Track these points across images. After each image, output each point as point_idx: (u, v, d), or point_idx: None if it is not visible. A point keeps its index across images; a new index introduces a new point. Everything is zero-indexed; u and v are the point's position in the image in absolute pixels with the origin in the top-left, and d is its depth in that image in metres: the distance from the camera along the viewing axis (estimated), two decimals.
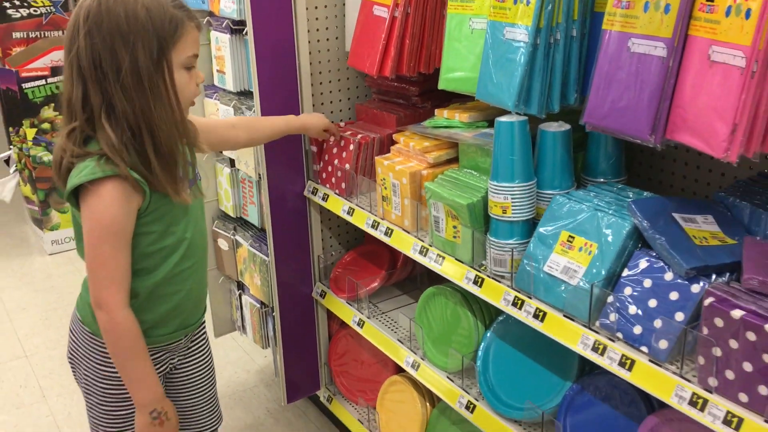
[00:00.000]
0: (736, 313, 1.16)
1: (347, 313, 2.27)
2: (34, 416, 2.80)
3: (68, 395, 2.90)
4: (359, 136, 2.10)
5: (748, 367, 1.17)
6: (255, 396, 2.87)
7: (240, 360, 3.10)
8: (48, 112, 4.00)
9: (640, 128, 1.34)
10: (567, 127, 1.62)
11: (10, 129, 4.04)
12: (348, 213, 2.11)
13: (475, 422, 1.80)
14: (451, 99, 2.04)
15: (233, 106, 2.37)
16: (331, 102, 2.32)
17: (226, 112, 2.42)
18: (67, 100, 1.47)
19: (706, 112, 1.24)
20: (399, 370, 2.24)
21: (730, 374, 1.20)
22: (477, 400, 1.81)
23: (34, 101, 3.94)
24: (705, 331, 1.23)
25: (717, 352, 1.21)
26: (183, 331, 1.69)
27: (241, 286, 2.75)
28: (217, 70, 2.44)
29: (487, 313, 1.89)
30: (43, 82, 3.95)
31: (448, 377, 1.91)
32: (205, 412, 1.83)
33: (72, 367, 1.71)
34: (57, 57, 3.94)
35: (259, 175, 2.32)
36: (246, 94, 2.44)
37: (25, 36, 3.91)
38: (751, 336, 1.15)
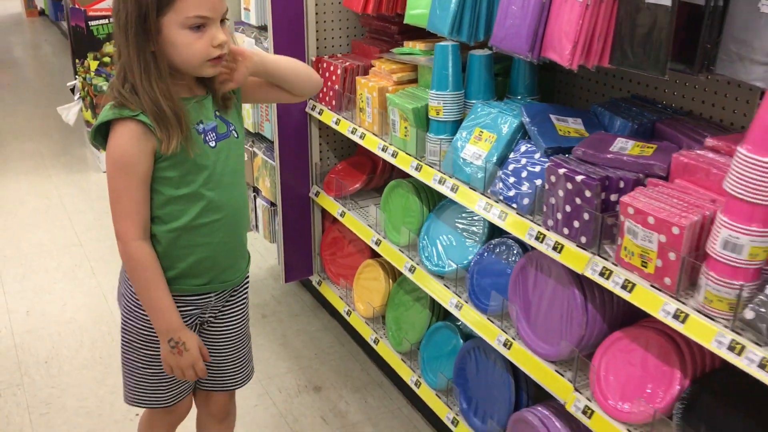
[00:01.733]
0: (561, 171, 1.69)
1: (333, 207, 2.84)
2: (86, 287, 3.47)
3: (113, 273, 3.55)
4: (347, 63, 2.65)
5: (568, 209, 1.70)
6: (264, 286, 3.48)
7: (254, 259, 3.70)
8: (109, 47, 4.64)
9: (522, 48, 1.86)
10: (489, 52, 2.14)
11: (77, 61, 4.71)
12: (335, 123, 2.67)
13: (416, 281, 2.36)
14: (425, 36, 2.57)
15: (254, 37, 2.94)
16: (332, 38, 2.87)
17: (249, 43, 2.99)
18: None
19: (559, 35, 1.76)
20: (373, 255, 2.81)
21: (558, 215, 1.73)
22: (417, 265, 2.36)
23: (98, 37, 4.58)
24: (546, 186, 1.76)
25: (552, 200, 1.74)
26: (217, 286, 1.74)
27: (256, 191, 3.34)
28: (244, 8, 3.01)
29: (432, 200, 2.43)
30: (106, 21, 4.59)
31: (400, 250, 2.47)
32: (236, 366, 1.89)
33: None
34: None
35: None
36: (265, 29, 3.00)
37: None
38: (569, 185, 1.68)
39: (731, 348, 1.36)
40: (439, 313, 2.48)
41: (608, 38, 1.71)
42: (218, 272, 1.73)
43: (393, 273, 2.71)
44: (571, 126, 1.95)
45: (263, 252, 3.75)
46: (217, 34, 1.53)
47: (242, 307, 1.88)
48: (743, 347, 1.34)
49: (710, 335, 1.39)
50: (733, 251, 1.36)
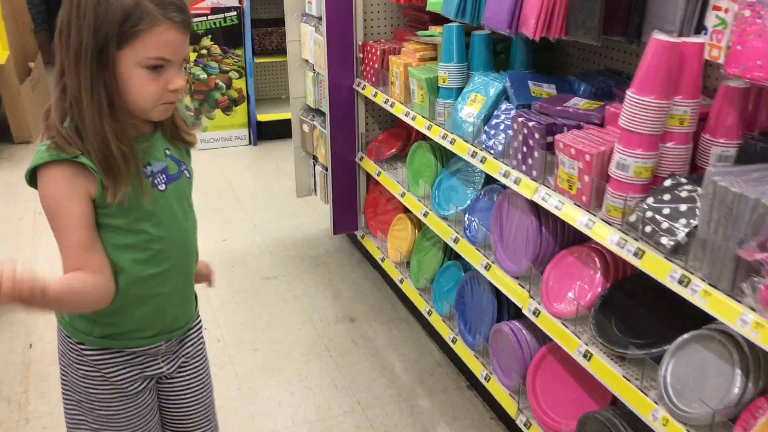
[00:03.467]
0: (520, 119, 2.14)
1: (372, 169, 3.35)
2: None
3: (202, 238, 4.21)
4: (385, 46, 3.16)
5: (524, 149, 2.14)
6: (320, 242, 4.03)
7: (314, 221, 4.28)
8: (206, 41, 5.36)
9: (503, 24, 2.31)
10: (488, 32, 2.60)
11: None
12: (374, 96, 3.19)
13: (428, 223, 2.84)
14: (446, 22, 3.04)
15: (313, 25, 3.51)
16: (377, 26, 3.39)
17: (310, 31, 3.56)
18: (55, 71, 1.42)
19: (527, 11, 2.20)
20: (405, 212, 3.30)
21: (519, 156, 2.17)
22: (430, 210, 2.84)
23: (197, 32, 5.31)
24: (511, 132, 2.20)
25: (515, 144, 2.19)
26: (165, 336, 1.60)
27: (315, 159, 3.90)
28: (307, 1, 3.58)
29: (445, 158, 2.91)
30: (204, 18, 5.30)
31: (418, 200, 2.95)
32: (207, 415, 1.77)
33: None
34: (216, 1, 5.28)
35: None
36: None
37: None
38: (524, 130, 2.12)
39: (619, 244, 1.77)
40: (450, 254, 2.94)
41: (564, 15, 2.15)
42: (168, 322, 1.60)
43: (418, 224, 3.19)
44: (544, 90, 2.38)
45: (321, 213, 4.31)
46: (175, 78, 1.40)
47: (200, 351, 1.73)
48: (626, 242, 1.76)
49: (606, 235, 1.81)
50: (623, 170, 1.78)
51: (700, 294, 1.55)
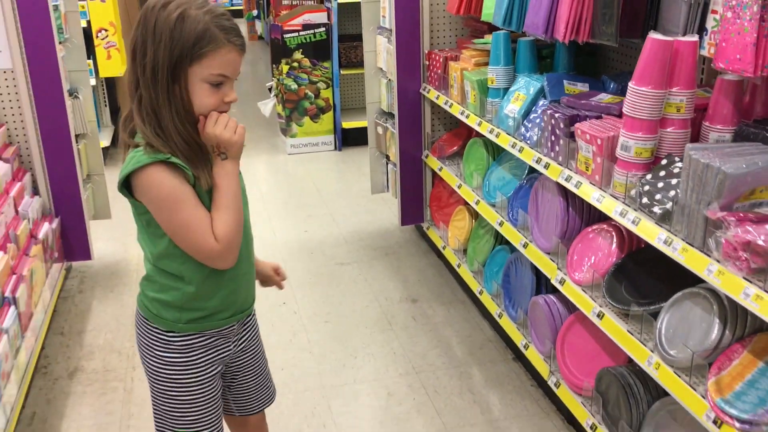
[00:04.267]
0: (549, 111, 2.44)
1: (435, 165, 3.71)
2: (261, 229, 4.62)
3: (287, 229, 4.69)
4: (447, 54, 3.52)
5: (552, 138, 2.44)
6: (391, 234, 4.41)
7: (385, 214, 4.67)
8: (297, 54, 5.88)
9: (540, 30, 2.63)
10: (532, 38, 2.92)
11: (273, 66, 6.00)
12: (436, 98, 3.55)
13: (479, 210, 3.16)
14: None
15: (386, 37, 3.91)
16: (443, 37, 3.76)
17: (383, 42, 3.96)
18: (128, 84, 1.61)
19: (559, 19, 2.51)
20: (465, 204, 3.63)
21: (548, 144, 2.48)
22: (481, 199, 3.16)
23: (289, 47, 5.83)
24: (544, 124, 2.51)
25: (546, 134, 2.49)
26: (238, 317, 1.78)
27: (387, 158, 4.29)
28: (382, 15, 3.99)
29: (496, 152, 3.23)
30: (296, 34, 5.83)
31: (472, 190, 3.28)
32: (266, 384, 1.97)
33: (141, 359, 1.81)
34: (307, 18, 5.79)
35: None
36: None
37: (290, 2, 5.81)
38: (552, 121, 2.42)
39: (621, 214, 2.06)
40: (500, 240, 3.25)
41: (590, 22, 2.45)
42: (240, 302, 1.77)
43: (475, 215, 3.52)
44: (578, 87, 2.68)
45: (393, 209, 4.68)
46: (230, 92, 1.60)
47: (256, 328, 1.92)
48: (627, 212, 2.04)
49: (612, 208, 2.10)
50: (626, 151, 2.07)
51: (680, 251, 1.82)
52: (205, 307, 1.70)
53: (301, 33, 5.86)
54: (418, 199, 4.00)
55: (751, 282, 1.61)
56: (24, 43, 3.28)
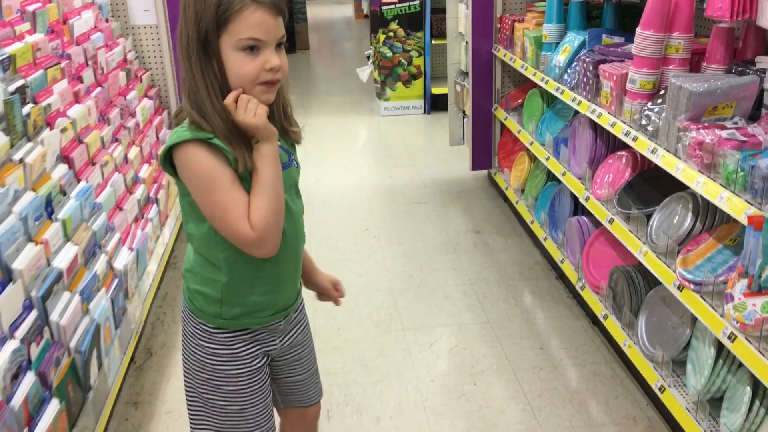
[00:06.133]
0: (581, 56, 2.94)
1: (502, 115, 4.24)
2: (353, 176, 5.28)
3: (375, 175, 5.35)
4: (516, 17, 4.04)
5: (585, 79, 2.94)
6: (464, 182, 4.98)
7: (463, 166, 5.22)
8: (393, 25, 6.50)
9: None
10: (582, 0, 3.40)
11: (372, 35, 6.65)
12: (503, 55, 4.08)
13: (533, 150, 3.68)
14: None
15: (465, 3, 4.46)
16: (515, 3, 4.26)
17: (462, 8, 4.51)
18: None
19: None
20: (525, 149, 4.15)
21: (582, 84, 2.98)
22: (534, 141, 3.68)
23: (386, 18, 6.46)
24: (579, 68, 3.01)
25: (580, 76, 2.99)
26: (282, 314, 1.71)
27: (464, 113, 4.85)
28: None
29: (550, 100, 3.73)
30: (393, 6, 6.45)
31: (529, 134, 3.80)
32: (310, 386, 1.90)
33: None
34: None
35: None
36: None
37: None
38: (584, 65, 2.93)
39: (626, 134, 2.56)
40: (551, 177, 3.76)
41: None
42: (284, 301, 1.71)
43: (534, 159, 4.04)
44: (614, 40, 3.15)
45: (468, 160, 5.24)
46: (271, 57, 1.48)
47: (305, 324, 1.85)
48: (629, 132, 2.54)
49: (620, 130, 2.60)
50: (633, 84, 2.56)
51: (660, 157, 2.31)
52: (245, 302, 1.64)
53: (398, 5, 6.48)
54: (487, 147, 4.55)
55: (702, 173, 2.10)
56: (166, 2, 4.06)
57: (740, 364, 2.09)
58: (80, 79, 3.08)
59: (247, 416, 1.73)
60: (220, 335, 1.67)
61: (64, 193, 2.57)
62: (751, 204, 1.89)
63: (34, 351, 2.07)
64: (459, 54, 4.83)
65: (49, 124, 2.62)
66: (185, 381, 1.76)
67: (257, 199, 1.50)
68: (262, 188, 1.50)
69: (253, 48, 1.47)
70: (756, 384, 2.01)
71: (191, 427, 1.79)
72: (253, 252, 1.53)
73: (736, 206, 1.92)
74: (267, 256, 1.55)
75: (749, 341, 1.91)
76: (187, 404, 1.77)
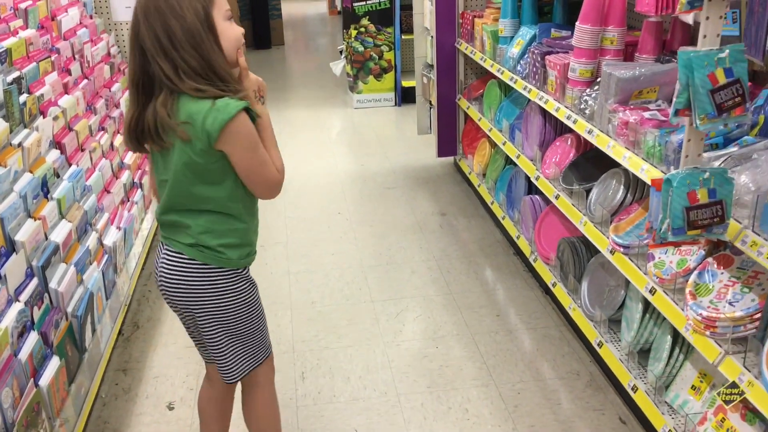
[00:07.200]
0: (531, 49, 3.23)
1: (464, 104, 4.53)
2: (326, 163, 5.54)
3: (348, 163, 5.62)
4: (475, 13, 4.32)
5: (534, 70, 3.23)
6: (432, 168, 5.26)
7: (431, 154, 5.49)
8: (364, 21, 6.76)
9: None
10: None
11: (344, 31, 6.90)
12: (465, 48, 4.37)
13: (491, 136, 3.97)
14: None
15: (431, 0, 4.74)
16: (476, 0, 4.56)
17: (428, 4, 4.78)
18: (135, 84, 1.73)
19: None
20: (485, 136, 4.44)
21: (532, 74, 3.27)
22: (492, 128, 3.97)
23: (358, 14, 6.72)
24: (529, 59, 3.30)
25: (530, 67, 3.28)
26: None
27: (431, 104, 5.13)
28: None
29: (507, 91, 4.02)
30: (364, 2, 6.71)
31: (489, 121, 4.09)
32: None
33: (183, 309, 1.99)
34: None
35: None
36: None
37: None
38: (533, 56, 3.21)
39: (568, 117, 2.85)
40: (509, 162, 4.05)
41: None
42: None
43: (494, 145, 4.33)
44: (562, 34, 3.45)
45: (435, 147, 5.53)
46: (235, 25, 1.80)
47: None
48: (571, 116, 2.83)
49: (563, 114, 2.89)
50: (573, 72, 2.85)
51: (595, 137, 2.61)
52: (252, 242, 1.97)
53: (368, 2, 6.74)
54: (452, 135, 4.83)
55: (628, 149, 2.40)
56: None
57: (664, 318, 2.40)
58: (68, 72, 3.31)
59: (265, 330, 2.07)
60: (244, 272, 1.97)
61: (58, 176, 2.80)
62: (665, 174, 2.19)
63: (36, 314, 2.31)
64: (425, 48, 5.10)
65: (43, 113, 2.86)
66: (214, 338, 1.97)
67: (274, 150, 1.85)
68: (274, 141, 1.86)
69: (230, 18, 1.78)
70: (676, 334, 2.31)
71: (229, 373, 2.02)
72: (274, 193, 1.87)
73: (654, 176, 2.22)
74: (276, 195, 1.89)
75: (666, 293, 2.21)
76: (222, 356, 1.99)
